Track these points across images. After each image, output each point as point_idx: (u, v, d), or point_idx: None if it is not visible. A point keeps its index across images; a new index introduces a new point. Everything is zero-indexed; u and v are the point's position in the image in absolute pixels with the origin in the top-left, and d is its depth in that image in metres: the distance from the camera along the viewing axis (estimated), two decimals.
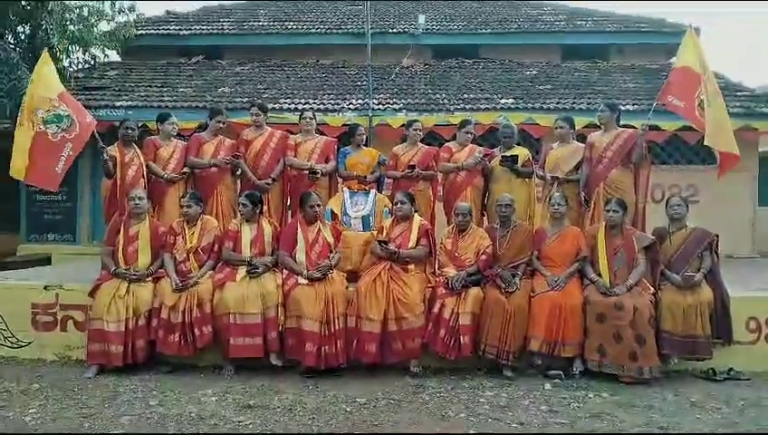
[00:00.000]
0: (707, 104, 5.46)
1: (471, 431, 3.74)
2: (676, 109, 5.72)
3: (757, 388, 4.64)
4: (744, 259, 8.61)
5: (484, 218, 6.16)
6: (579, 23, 11.43)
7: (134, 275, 5.01)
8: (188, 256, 5.15)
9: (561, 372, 4.76)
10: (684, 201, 5.20)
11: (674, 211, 5.12)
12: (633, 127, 6.39)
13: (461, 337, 4.79)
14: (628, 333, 4.64)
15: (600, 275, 4.97)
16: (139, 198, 5.23)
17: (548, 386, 4.60)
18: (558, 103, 8.95)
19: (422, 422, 3.90)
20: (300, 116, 6.31)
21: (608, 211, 5.14)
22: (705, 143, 5.65)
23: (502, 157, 5.94)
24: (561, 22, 11.47)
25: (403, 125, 7.00)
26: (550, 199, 5.44)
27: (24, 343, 5.31)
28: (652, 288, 4.92)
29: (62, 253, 9.18)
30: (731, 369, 4.91)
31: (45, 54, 5.67)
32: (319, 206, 5.29)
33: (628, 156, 5.71)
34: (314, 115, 6.33)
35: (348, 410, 4.10)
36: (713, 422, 3.91)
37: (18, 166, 5.36)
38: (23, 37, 8.92)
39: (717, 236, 5.12)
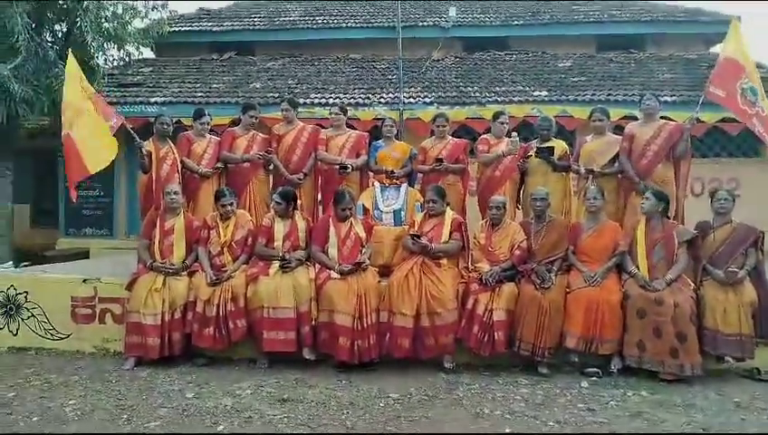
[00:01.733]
0: (762, 97, 5.30)
1: (507, 430, 3.68)
2: (718, 99, 5.54)
3: None
4: None
5: (520, 213, 6.06)
6: (614, 12, 11.20)
7: (170, 268, 5.07)
8: (222, 250, 5.19)
9: (598, 370, 4.67)
10: (730, 195, 5.00)
11: (720, 205, 4.95)
12: (670, 119, 6.24)
13: (495, 333, 4.72)
14: (669, 329, 4.52)
15: (638, 268, 4.86)
16: (175, 193, 5.28)
17: (585, 384, 4.51)
18: (593, 95, 8.79)
19: (457, 419, 3.85)
20: (330, 111, 6.30)
21: (642, 201, 5.03)
22: None
23: (537, 148, 5.84)
24: (596, 12, 11.26)
25: None
26: (585, 193, 5.33)
27: (63, 336, 5.43)
28: (693, 284, 4.78)
29: (100, 247, 9.40)
30: None
31: (69, 57, 5.74)
32: (351, 208, 5.27)
33: (672, 150, 5.55)
34: (343, 110, 6.30)
35: (381, 405, 4.08)
36: (758, 423, 3.78)
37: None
38: (60, 35, 9.09)
39: (763, 232, 4.94)
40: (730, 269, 4.71)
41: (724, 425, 3.74)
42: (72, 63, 5.65)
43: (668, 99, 8.23)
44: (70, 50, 5.86)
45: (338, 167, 5.89)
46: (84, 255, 9.17)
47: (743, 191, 8.47)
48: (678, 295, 4.62)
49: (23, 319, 5.49)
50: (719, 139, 8.91)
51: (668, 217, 5.10)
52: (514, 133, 6.00)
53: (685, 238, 4.90)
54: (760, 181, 8.63)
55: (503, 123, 6.04)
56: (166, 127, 5.89)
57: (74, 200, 6.00)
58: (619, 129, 6.11)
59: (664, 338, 4.52)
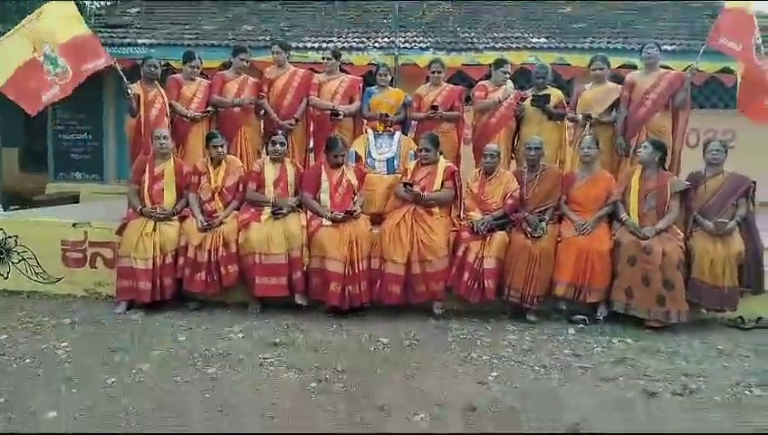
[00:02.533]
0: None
1: (493, 374, 3.75)
2: (732, 52, 5.41)
3: None
4: None
5: (514, 162, 6.02)
6: None
7: (160, 213, 5.04)
8: (213, 195, 5.16)
9: (585, 317, 4.74)
10: (723, 146, 4.96)
11: (712, 156, 4.91)
12: (672, 69, 6.13)
13: (485, 281, 4.77)
14: (657, 277, 4.56)
15: (629, 215, 4.87)
16: (165, 138, 5.20)
17: (572, 331, 4.59)
18: (592, 43, 8.58)
19: (445, 362, 3.92)
20: (322, 55, 6.14)
21: (639, 148, 5.01)
22: None
23: (533, 96, 5.76)
24: None
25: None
26: (580, 143, 5.28)
27: (54, 279, 5.44)
28: (682, 234, 4.80)
29: (90, 191, 9.29)
30: (760, 317, 4.84)
31: None
32: (344, 155, 5.22)
33: (671, 99, 5.48)
34: (336, 54, 6.13)
35: (371, 349, 4.15)
36: (740, 370, 3.86)
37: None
38: None
39: (755, 182, 4.93)
40: (719, 220, 4.73)
41: (707, 371, 3.82)
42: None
43: (668, 47, 8.05)
44: None
45: (329, 113, 5.80)
46: (74, 199, 9.08)
47: (738, 142, 8.46)
48: (667, 244, 4.65)
49: (13, 262, 5.49)
50: (716, 89, 8.78)
51: (664, 168, 5.07)
52: (510, 81, 5.90)
53: (678, 189, 4.89)
54: (755, 133, 8.54)
55: (505, 73, 5.92)
56: (154, 70, 5.75)
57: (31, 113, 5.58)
58: (616, 78, 6.00)
59: (652, 286, 4.57)
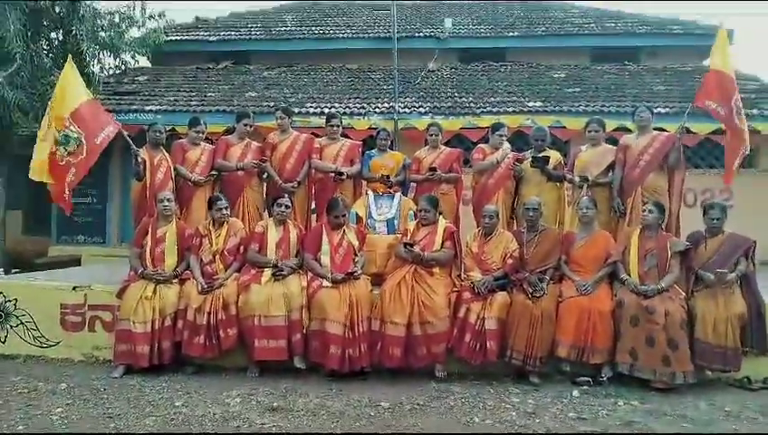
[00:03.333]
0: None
1: None
2: (718, 116, 5.53)
3: None
4: None
5: (514, 223, 6.07)
6: (608, 25, 11.29)
7: (161, 276, 5.05)
8: (214, 257, 5.18)
9: (589, 379, 4.66)
10: (722, 210, 4.97)
11: (712, 222, 4.92)
12: (665, 130, 6.27)
13: (487, 342, 4.71)
14: (661, 337, 4.52)
15: (629, 275, 4.87)
16: (168, 200, 5.27)
17: (576, 393, 4.50)
18: (587, 106, 8.82)
19: (448, 428, 3.83)
20: (326, 122, 6.28)
21: (644, 212, 5.05)
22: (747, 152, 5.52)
23: (532, 158, 5.86)
24: (591, 24, 11.33)
25: None
26: (578, 203, 5.34)
27: (52, 343, 5.39)
28: (684, 293, 4.78)
29: (92, 254, 9.35)
30: (766, 378, 4.76)
31: (69, 62, 5.63)
32: (345, 216, 5.29)
33: (664, 159, 5.58)
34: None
35: (372, 413, 4.06)
36: (748, 432, 3.76)
37: (40, 174, 5.41)
38: (55, 43, 9.10)
39: (755, 242, 4.94)
40: (720, 271, 4.70)
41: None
42: (67, 72, 5.53)
43: (662, 110, 8.27)
44: (69, 57, 5.77)
45: (333, 173, 5.90)
46: (76, 262, 9.12)
47: (735, 202, 8.53)
48: (670, 304, 4.62)
49: (11, 326, 5.45)
50: (711, 150, 8.94)
51: (662, 228, 5.10)
52: (506, 143, 6.03)
53: (678, 250, 4.91)
54: (752, 192, 8.66)
55: (501, 136, 6.05)
56: (159, 135, 5.89)
57: (67, 212, 5.77)
58: (611, 140, 6.13)
59: (656, 346, 4.52)
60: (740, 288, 4.81)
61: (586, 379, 4.66)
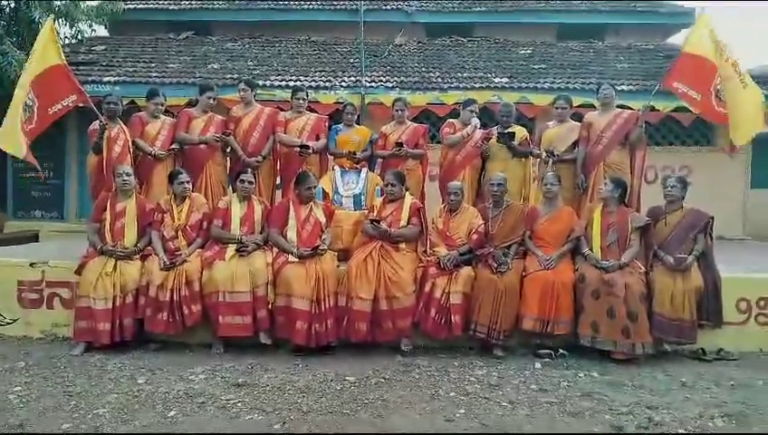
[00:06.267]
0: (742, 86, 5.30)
1: (461, 410, 3.72)
2: (689, 99, 5.57)
3: (746, 368, 4.64)
4: (736, 241, 8.63)
5: (480, 201, 6.10)
6: (575, 2, 11.30)
7: (121, 252, 4.94)
8: (177, 233, 5.08)
9: (551, 352, 4.75)
10: (681, 181, 5.13)
11: (668, 192, 5.08)
12: (629, 108, 6.36)
13: (452, 316, 4.77)
14: (622, 309, 4.63)
15: (591, 250, 4.96)
16: (127, 175, 5.12)
17: (538, 365, 4.59)
18: (552, 83, 8.88)
19: (413, 400, 3.87)
20: (292, 95, 6.18)
21: (601, 187, 5.14)
22: (739, 143, 5.57)
23: (498, 133, 5.88)
24: (557, 1, 11.33)
25: None
26: (543, 179, 5.40)
27: (10, 321, 5.25)
28: (643, 268, 4.90)
29: (50, 230, 9.09)
30: (720, 349, 4.94)
31: (48, 22, 5.32)
32: (315, 187, 5.23)
33: (626, 136, 5.67)
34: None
35: (338, 388, 4.07)
36: (702, 402, 3.91)
37: (14, 144, 5.14)
38: (7, 10, 8.69)
39: (713, 218, 5.08)
40: (679, 256, 4.84)
41: (672, 404, 3.85)
42: (47, 32, 5.24)
43: (625, 88, 8.38)
44: (50, 18, 5.50)
45: (298, 148, 5.82)
46: (33, 238, 8.85)
47: (694, 178, 8.75)
48: (629, 277, 4.74)
49: None
50: (672, 128, 9.13)
51: (625, 204, 5.20)
52: (476, 118, 6.03)
53: (638, 225, 5.01)
54: (711, 169, 8.91)
55: (472, 111, 6.05)
56: (113, 106, 5.69)
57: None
58: (577, 117, 6.19)
59: (617, 318, 4.63)
60: (697, 263, 4.94)
61: (548, 351, 4.76)
